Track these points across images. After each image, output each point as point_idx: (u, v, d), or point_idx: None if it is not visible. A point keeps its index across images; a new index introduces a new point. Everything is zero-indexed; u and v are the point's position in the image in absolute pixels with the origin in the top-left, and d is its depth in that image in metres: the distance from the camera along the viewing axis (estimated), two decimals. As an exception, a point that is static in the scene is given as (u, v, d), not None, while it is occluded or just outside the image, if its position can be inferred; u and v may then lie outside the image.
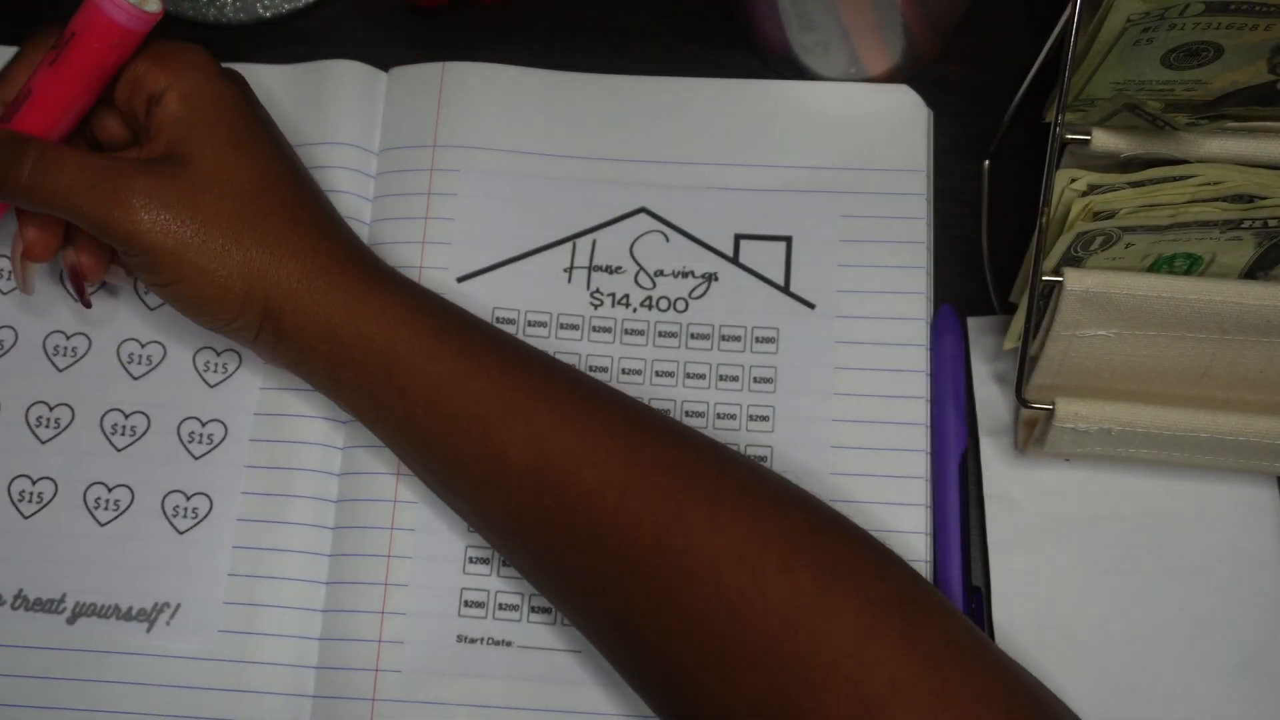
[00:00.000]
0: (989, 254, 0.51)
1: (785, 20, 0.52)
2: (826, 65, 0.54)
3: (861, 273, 0.51)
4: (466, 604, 0.49)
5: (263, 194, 0.46)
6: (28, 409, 0.51)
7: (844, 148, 0.53)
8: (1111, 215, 0.43)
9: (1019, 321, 0.46)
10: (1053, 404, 0.46)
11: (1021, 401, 0.46)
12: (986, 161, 0.50)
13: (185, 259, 0.45)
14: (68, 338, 0.52)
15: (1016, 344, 0.46)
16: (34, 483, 0.50)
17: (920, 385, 0.50)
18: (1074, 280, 0.43)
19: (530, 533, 0.43)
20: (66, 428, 0.51)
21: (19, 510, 0.50)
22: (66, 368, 0.52)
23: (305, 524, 0.49)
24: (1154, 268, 0.45)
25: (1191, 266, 0.45)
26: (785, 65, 0.55)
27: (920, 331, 0.51)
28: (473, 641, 0.48)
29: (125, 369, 0.52)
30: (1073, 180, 0.44)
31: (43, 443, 0.51)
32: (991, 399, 0.51)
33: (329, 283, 0.45)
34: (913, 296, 0.51)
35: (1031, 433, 0.48)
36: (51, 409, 0.51)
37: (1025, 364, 0.46)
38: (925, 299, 0.51)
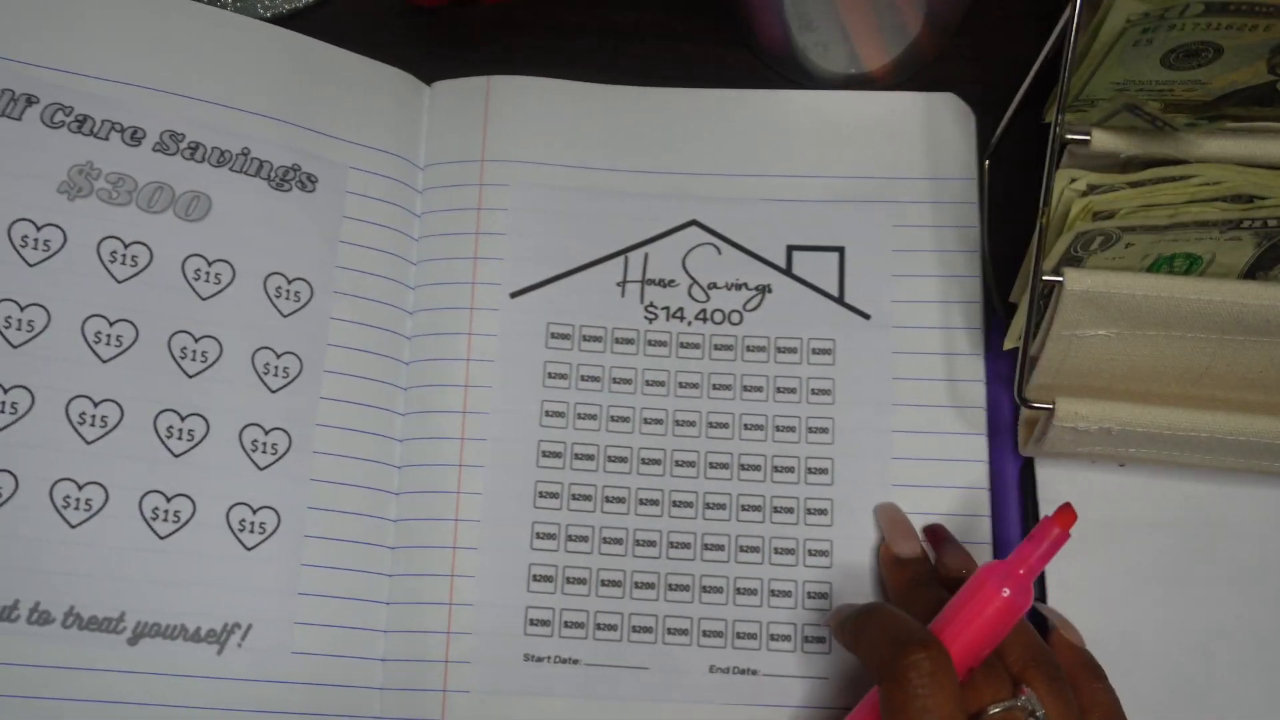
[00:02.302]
0: (988, 254, 0.51)
1: (785, 20, 0.52)
2: (826, 65, 0.54)
3: (915, 282, 0.52)
4: (532, 622, 0.49)
5: None
6: (68, 403, 0.47)
7: (893, 157, 0.53)
8: (1111, 215, 0.43)
9: (1019, 321, 0.46)
10: (1053, 404, 0.46)
11: (1022, 401, 0.46)
12: (986, 161, 0.51)
13: None
14: (110, 324, 0.49)
15: (1017, 344, 0.47)
16: (80, 488, 0.47)
17: (978, 395, 0.50)
18: (1074, 280, 0.43)
19: None
20: (114, 428, 0.47)
21: (64, 518, 0.46)
22: (111, 359, 0.48)
23: (368, 543, 0.49)
24: (1154, 268, 0.45)
25: (1191, 266, 0.45)
26: (785, 65, 0.55)
27: (977, 340, 0.51)
28: (540, 660, 0.48)
29: (178, 364, 0.49)
30: (1072, 180, 0.44)
31: (88, 443, 0.47)
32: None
33: None
34: (968, 305, 0.51)
35: (1031, 432, 0.48)
36: (96, 405, 0.48)
37: (1025, 364, 0.46)
38: (980, 307, 0.51)
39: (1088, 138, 0.44)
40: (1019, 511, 0.49)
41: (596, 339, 0.52)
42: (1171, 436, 0.45)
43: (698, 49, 0.57)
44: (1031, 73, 0.45)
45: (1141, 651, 0.48)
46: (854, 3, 0.50)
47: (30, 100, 0.49)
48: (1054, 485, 0.50)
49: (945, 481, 0.50)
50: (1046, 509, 0.50)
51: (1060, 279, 0.43)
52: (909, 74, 0.55)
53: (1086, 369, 0.46)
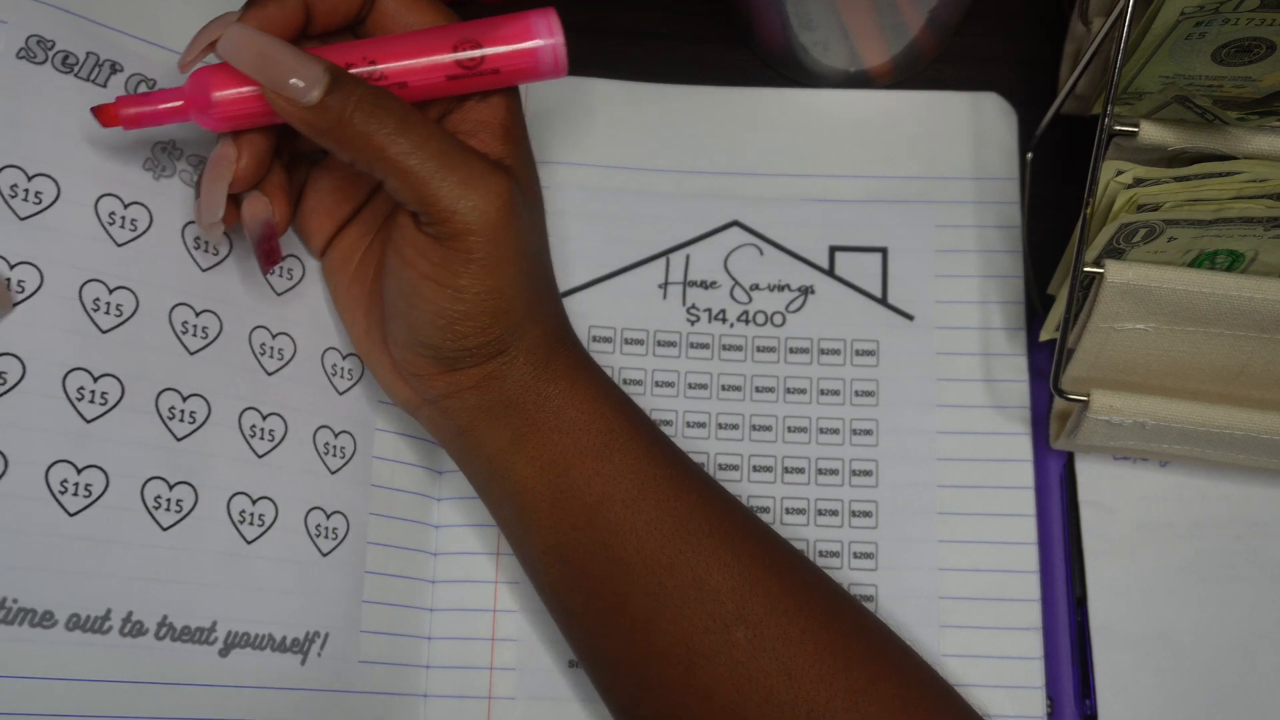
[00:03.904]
0: (1029, 248, 0.51)
1: (785, 20, 0.52)
2: (827, 64, 0.54)
3: (958, 283, 0.52)
4: (576, 627, 0.48)
5: (543, 232, 0.44)
6: (157, 397, 0.43)
7: (935, 157, 0.54)
8: (1156, 208, 0.43)
9: (1057, 312, 0.47)
10: (1088, 396, 0.46)
11: (1057, 392, 0.46)
12: (1029, 154, 0.50)
13: (494, 267, 0.41)
14: (196, 314, 0.45)
15: (1053, 335, 0.47)
16: (171, 487, 0.42)
17: (1022, 394, 0.50)
18: (1115, 272, 0.43)
19: (701, 655, 0.42)
20: (203, 424, 0.44)
21: (156, 520, 0.42)
22: (198, 350, 0.44)
23: (416, 549, 0.49)
24: (1195, 263, 0.45)
25: (1233, 263, 0.45)
26: (784, 64, 0.56)
27: (1020, 340, 0.51)
28: (584, 665, 0.48)
29: (259, 361, 0.46)
30: (1119, 172, 0.44)
31: (178, 439, 0.43)
32: None
33: (565, 346, 0.44)
34: (1010, 305, 0.51)
35: (1064, 425, 0.48)
36: (185, 399, 0.43)
37: (1062, 355, 0.46)
38: (1023, 307, 0.51)
39: (1136, 130, 0.44)
40: (1061, 510, 0.49)
41: (639, 341, 0.52)
42: (1206, 434, 0.45)
43: (698, 50, 0.57)
44: (1082, 64, 0.45)
45: (1182, 652, 0.48)
46: (854, 1, 0.50)
47: (115, 68, 0.44)
48: (1095, 484, 0.50)
49: (989, 481, 0.49)
50: (1088, 509, 0.49)
51: (1101, 270, 0.43)
52: (909, 73, 0.55)
53: (1123, 363, 0.46)
